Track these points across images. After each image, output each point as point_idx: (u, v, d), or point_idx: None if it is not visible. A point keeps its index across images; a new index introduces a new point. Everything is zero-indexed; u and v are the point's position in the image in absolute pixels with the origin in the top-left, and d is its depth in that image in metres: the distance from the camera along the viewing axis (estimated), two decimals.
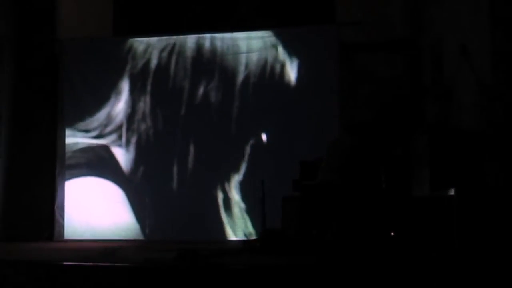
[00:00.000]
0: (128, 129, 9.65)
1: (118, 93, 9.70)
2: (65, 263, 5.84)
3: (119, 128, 9.67)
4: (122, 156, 9.63)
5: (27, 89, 9.70)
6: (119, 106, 9.70)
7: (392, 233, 6.25)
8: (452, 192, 4.99)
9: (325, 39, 9.21)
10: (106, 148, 9.65)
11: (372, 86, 8.84)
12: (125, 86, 9.70)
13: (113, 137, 9.67)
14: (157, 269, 5.46)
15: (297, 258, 6.21)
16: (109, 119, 9.69)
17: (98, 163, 9.65)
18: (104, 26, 9.89)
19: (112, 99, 9.69)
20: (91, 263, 5.76)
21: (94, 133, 9.70)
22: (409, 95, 8.48)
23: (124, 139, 9.64)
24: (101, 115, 9.71)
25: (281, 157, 8.88)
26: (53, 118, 9.79)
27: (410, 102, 8.40)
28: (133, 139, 9.62)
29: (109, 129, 9.70)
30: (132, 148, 9.61)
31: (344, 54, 9.15)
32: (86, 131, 9.72)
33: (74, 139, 9.71)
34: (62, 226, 9.56)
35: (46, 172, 9.67)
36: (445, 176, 5.46)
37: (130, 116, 9.65)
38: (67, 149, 9.73)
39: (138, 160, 9.58)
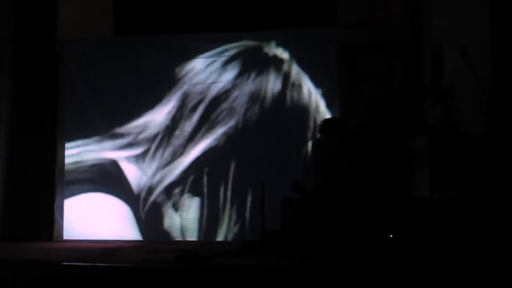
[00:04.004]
0: (161, 141, 9.53)
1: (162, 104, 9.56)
2: (64, 263, 5.84)
3: (152, 139, 9.55)
4: (133, 171, 9.55)
5: (27, 89, 9.70)
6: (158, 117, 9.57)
7: (391, 235, 6.25)
8: (452, 194, 4.99)
9: (326, 40, 9.22)
10: (114, 163, 9.59)
11: (373, 87, 8.84)
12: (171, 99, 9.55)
13: (142, 148, 9.55)
14: (156, 269, 5.46)
15: (296, 260, 6.20)
16: (144, 128, 9.57)
17: (106, 179, 9.58)
18: (104, 26, 9.90)
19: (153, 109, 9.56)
20: (90, 263, 5.76)
21: (125, 141, 9.60)
22: (409, 97, 8.48)
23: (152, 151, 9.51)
24: (136, 123, 9.59)
25: (280, 158, 8.87)
26: (53, 119, 9.80)
27: (410, 104, 8.40)
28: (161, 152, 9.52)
29: (142, 137, 9.56)
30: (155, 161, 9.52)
31: (344, 56, 9.16)
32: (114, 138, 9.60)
33: (79, 156, 9.68)
34: (61, 226, 9.56)
35: (46, 172, 9.66)
36: (445, 178, 5.46)
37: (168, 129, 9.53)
38: (71, 165, 9.67)
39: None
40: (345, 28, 9.12)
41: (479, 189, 5.18)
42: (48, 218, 9.55)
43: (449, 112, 7.03)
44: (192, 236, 9.31)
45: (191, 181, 9.38)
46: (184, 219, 9.35)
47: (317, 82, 9.19)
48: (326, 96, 9.15)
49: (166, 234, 9.34)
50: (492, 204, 4.85)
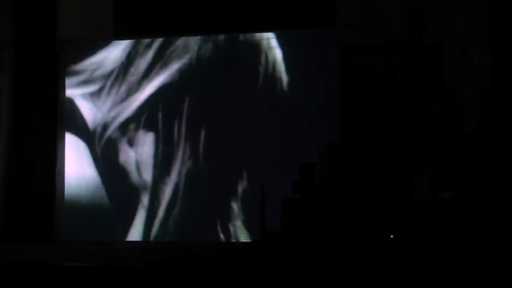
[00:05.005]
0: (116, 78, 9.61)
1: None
2: (64, 263, 5.85)
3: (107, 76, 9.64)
4: (88, 108, 9.65)
5: (27, 89, 9.69)
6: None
7: (391, 236, 6.25)
8: (452, 194, 5.00)
9: (326, 41, 9.22)
10: (69, 101, 9.66)
11: (372, 88, 8.84)
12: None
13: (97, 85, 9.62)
14: (156, 269, 5.46)
15: (296, 260, 6.20)
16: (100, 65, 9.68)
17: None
18: (104, 27, 9.90)
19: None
20: (90, 264, 5.76)
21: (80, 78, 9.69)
22: (409, 98, 8.48)
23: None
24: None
25: (281, 159, 8.87)
26: (53, 119, 9.79)
27: (410, 105, 8.41)
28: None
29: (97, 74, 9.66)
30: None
31: (344, 57, 9.15)
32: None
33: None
34: (62, 227, 9.55)
35: (45, 172, 9.65)
36: (445, 178, 5.47)
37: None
38: None
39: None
40: (345, 29, 9.12)
41: (479, 189, 5.18)
42: (48, 218, 9.54)
43: (449, 112, 7.04)
44: (146, 171, 9.37)
45: (145, 117, 9.47)
46: (139, 154, 9.44)
47: (316, 83, 9.18)
48: (325, 97, 9.14)
49: (122, 169, 9.41)
50: (491, 204, 4.86)
